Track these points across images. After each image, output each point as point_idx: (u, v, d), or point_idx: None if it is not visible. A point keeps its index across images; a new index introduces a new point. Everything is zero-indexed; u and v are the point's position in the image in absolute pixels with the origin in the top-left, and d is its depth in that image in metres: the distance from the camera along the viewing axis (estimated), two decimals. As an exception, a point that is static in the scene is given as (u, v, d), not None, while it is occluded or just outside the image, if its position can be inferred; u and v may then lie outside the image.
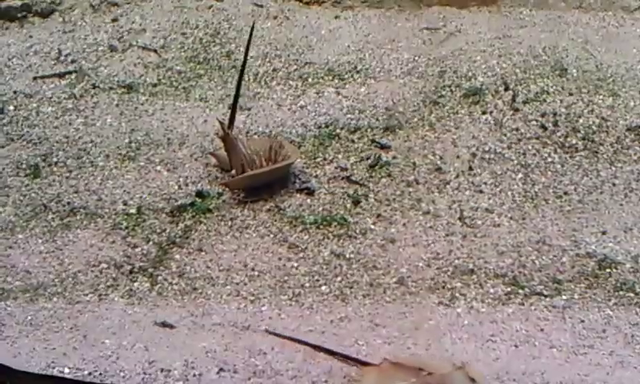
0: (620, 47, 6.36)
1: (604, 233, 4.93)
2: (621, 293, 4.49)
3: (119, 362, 3.94)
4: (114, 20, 6.84)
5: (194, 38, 6.64)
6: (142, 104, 6.07)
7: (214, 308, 4.43)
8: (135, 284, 4.62)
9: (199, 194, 5.26)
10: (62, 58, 6.46)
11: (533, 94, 5.92)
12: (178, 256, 4.82)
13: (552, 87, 5.97)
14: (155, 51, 6.52)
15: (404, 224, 5.04)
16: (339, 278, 4.67)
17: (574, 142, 5.60)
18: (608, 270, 4.66)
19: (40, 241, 4.92)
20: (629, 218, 5.03)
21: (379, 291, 4.56)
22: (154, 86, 6.24)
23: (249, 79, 6.27)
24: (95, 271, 4.69)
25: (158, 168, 5.50)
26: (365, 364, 3.84)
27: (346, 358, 3.90)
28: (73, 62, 6.42)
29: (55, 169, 5.50)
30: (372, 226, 5.03)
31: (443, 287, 4.58)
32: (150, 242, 4.91)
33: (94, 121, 5.91)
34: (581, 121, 5.72)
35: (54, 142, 5.71)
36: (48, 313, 4.36)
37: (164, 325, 4.25)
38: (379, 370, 3.70)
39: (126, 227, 5.01)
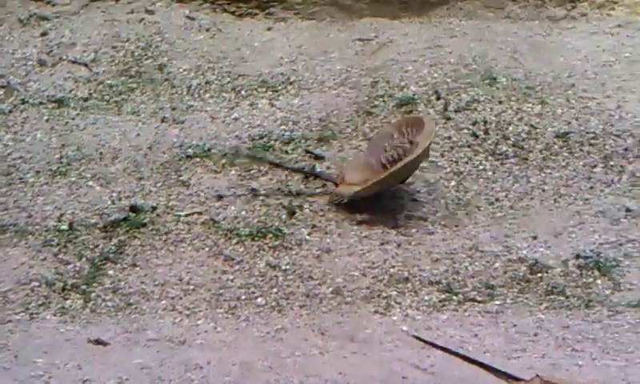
0: (547, 56, 6.49)
1: (535, 238, 5.02)
2: (552, 296, 4.58)
3: (52, 381, 3.88)
4: (44, 34, 6.74)
5: (125, 51, 6.58)
6: (73, 119, 5.99)
7: (149, 323, 4.39)
8: (68, 301, 4.55)
9: (133, 208, 5.21)
10: (-10, 73, 6.36)
11: (464, 103, 6.01)
12: (111, 272, 4.76)
13: (482, 96, 6.07)
14: (86, 65, 6.44)
15: (339, 234, 5.07)
16: (275, 290, 4.66)
17: (504, 149, 5.70)
18: (539, 275, 4.74)
19: (-32, 260, 4.82)
20: (558, 222, 5.14)
21: (315, 301, 4.57)
22: (85, 100, 6.16)
23: (181, 92, 6.24)
24: (26, 289, 4.60)
25: (90, 183, 5.44)
26: (515, 379, 3.82)
27: (493, 371, 3.87)
28: (1, 77, 6.30)
29: (-16, 186, 5.40)
30: (307, 237, 5.04)
31: (379, 296, 4.61)
32: (83, 259, 4.84)
33: (23, 136, 5.82)
34: (510, 128, 5.82)
35: (-18, 159, 5.61)
36: (-22, 333, 4.27)
37: (98, 342, 4.19)
38: None
39: (58, 244, 4.93)
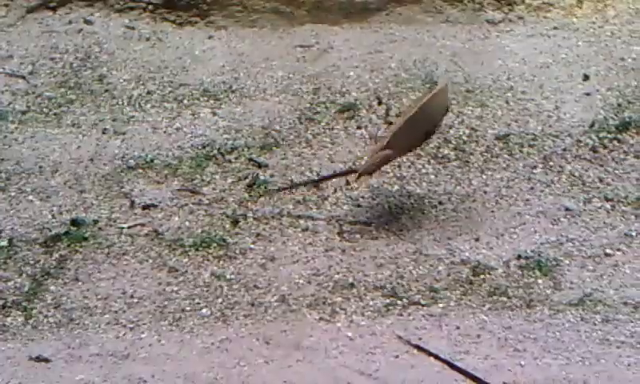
0: (486, 59, 6.57)
1: (477, 239, 5.07)
2: (494, 298, 4.63)
3: (-8, 401, 3.82)
4: (-21, 47, 6.64)
5: (63, 62, 6.50)
6: (12, 132, 5.90)
7: (92, 338, 4.34)
8: (8, 319, 4.48)
9: (74, 222, 5.15)
10: None
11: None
12: (53, 287, 4.70)
13: (423, 100, 6.11)
14: (23, 77, 6.35)
15: (283, 242, 5.07)
16: (220, 300, 4.64)
17: (446, 152, 5.75)
18: (482, 276, 4.79)
19: None
20: (500, 223, 5.20)
21: (260, 310, 4.56)
22: (24, 113, 6.07)
23: (122, 103, 6.19)
24: (-35, 308, 4.53)
25: (30, 197, 5.36)
26: None
27: (473, 378, 3.91)
28: (-64, 91, 6.20)
29: None
30: (252, 246, 5.03)
31: (324, 303, 4.62)
32: (24, 275, 4.77)
33: (-40, 152, 5.72)
34: (452, 132, 5.88)
35: None
36: None
37: (39, 359, 4.14)
38: None
39: (-3, 261, 4.86)
